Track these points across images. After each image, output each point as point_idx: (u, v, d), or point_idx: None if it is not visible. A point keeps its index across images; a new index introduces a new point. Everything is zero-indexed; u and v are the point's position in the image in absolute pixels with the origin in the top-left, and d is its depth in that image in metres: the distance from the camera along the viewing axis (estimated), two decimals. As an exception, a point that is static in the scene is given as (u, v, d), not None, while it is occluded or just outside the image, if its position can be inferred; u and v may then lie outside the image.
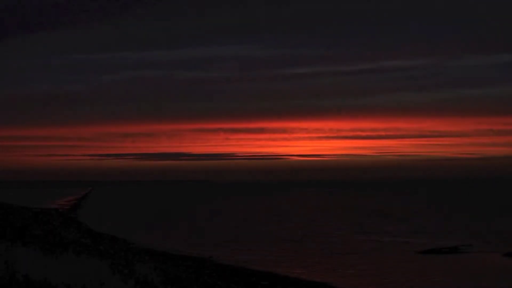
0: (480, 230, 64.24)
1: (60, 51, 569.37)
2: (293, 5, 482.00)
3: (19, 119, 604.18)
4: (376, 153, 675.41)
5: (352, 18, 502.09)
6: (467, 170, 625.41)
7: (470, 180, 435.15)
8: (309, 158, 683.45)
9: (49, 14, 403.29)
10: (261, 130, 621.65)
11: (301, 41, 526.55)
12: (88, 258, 33.00)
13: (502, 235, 58.50)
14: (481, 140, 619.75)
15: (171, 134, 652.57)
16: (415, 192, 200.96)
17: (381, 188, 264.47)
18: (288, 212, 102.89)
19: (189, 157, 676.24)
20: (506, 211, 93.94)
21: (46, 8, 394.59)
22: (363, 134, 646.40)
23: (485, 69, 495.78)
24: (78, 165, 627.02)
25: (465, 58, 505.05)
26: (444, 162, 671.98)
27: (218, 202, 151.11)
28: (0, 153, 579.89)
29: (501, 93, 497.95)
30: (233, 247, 52.22)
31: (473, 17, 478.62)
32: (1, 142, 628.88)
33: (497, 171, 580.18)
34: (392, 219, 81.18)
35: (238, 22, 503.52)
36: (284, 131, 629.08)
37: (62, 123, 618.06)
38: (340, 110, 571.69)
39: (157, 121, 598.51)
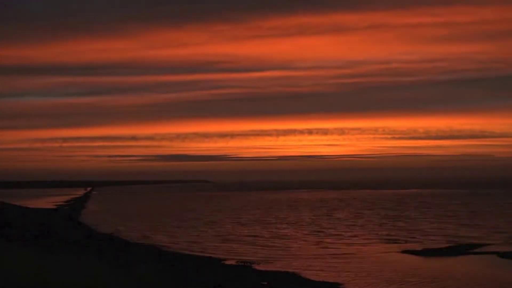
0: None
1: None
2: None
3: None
4: (430, 153, 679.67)
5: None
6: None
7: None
8: (361, 159, 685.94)
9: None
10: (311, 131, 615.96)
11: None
12: (87, 258, 32.95)
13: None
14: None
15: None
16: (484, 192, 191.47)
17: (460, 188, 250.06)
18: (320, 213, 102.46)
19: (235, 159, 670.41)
20: None
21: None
22: (417, 135, 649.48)
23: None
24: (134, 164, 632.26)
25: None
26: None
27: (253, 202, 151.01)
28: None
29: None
30: (240, 247, 52.07)
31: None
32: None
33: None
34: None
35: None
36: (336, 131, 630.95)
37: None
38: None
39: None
